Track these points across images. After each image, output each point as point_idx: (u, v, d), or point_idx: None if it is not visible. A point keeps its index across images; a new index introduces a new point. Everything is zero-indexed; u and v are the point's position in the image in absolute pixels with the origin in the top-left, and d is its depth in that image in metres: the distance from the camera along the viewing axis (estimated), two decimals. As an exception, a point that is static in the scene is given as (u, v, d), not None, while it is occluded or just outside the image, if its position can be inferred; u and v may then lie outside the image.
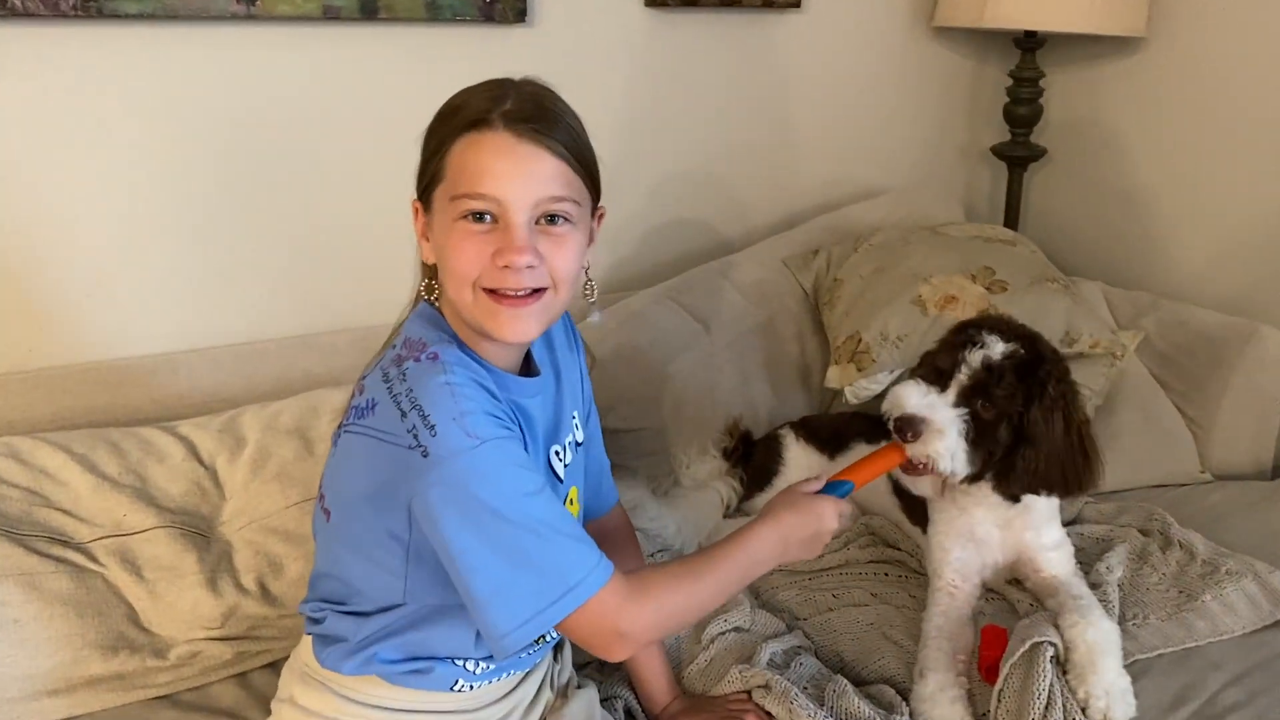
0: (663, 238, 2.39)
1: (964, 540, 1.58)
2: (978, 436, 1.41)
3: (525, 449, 1.15)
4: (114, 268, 1.82)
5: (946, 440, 1.39)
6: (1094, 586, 1.62)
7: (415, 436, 1.06)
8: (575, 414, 1.37)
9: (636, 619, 1.15)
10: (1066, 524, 1.86)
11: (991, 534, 1.57)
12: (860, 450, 1.87)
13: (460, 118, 1.13)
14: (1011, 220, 2.72)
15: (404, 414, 1.07)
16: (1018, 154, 2.67)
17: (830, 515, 1.29)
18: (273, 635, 1.51)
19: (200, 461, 1.60)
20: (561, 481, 1.30)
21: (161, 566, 1.47)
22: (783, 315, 2.22)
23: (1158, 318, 2.23)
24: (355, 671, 1.22)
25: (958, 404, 1.41)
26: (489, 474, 1.06)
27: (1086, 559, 1.73)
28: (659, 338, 2.02)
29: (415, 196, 1.20)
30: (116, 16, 1.71)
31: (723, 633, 1.58)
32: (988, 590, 1.66)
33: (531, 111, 1.14)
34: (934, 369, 1.45)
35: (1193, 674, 1.48)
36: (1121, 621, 1.57)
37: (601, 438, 1.48)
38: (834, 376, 2.05)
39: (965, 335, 1.45)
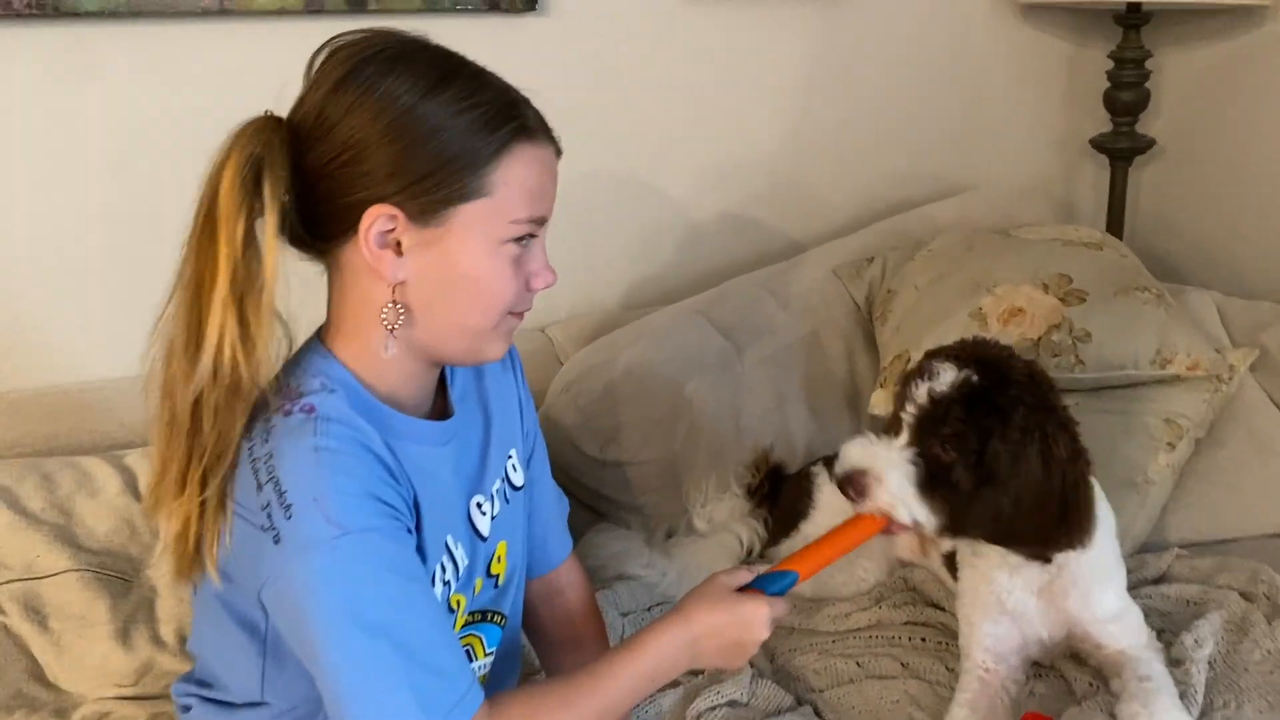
0: (705, 246, 2.17)
1: (994, 612, 1.30)
2: (933, 480, 1.18)
3: (410, 530, 0.96)
4: (80, 286, 1.70)
5: (889, 487, 1.18)
6: (1176, 664, 1.32)
7: (269, 515, 0.88)
8: (512, 453, 1.17)
9: None
10: (1152, 581, 1.56)
11: (1026, 604, 1.29)
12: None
13: (503, 122, 0.96)
14: (1115, 221, 2.40)
15: (260, 486, 0.90)
16: (1121, 146, 2.35)
17: (759, 623, 1.05)
18: (194, 695, 1.34)
19: (137, 496, 1.46)
20: (484, 539, 1.10)
21: (69, 615, 1.33)
22: (829, 330, 1.96)
23: (1284, 332, 1.88)
24: None
25: (910, 445, 1.19)
26: (349, 576, 0.88)
27: (1173, 626, 1.43)
28: (677, 355, 1.80)
29: (385, 201, 0.93)
30: (75, 15, 1.60)
31: (713, 708, 1.34)
32: (1040, 666, 1.37)
33: (540, 113, 1.02)
34: (893, 415, 1.23)
35: (1295, 785, 1.17)
36: (1209, 711, 1.27)
37: (551, 478, 1.28)
38: (879, 401, 1.78)
39: (920, 367, 1.23)
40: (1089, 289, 1.76)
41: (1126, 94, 2.30)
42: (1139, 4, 2.20)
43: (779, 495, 1.73)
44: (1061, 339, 1.70)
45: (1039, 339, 1.70)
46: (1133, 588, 1.54)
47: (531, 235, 1.00)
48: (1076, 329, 1.71)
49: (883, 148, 2.31)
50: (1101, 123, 2.38)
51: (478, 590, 1.11)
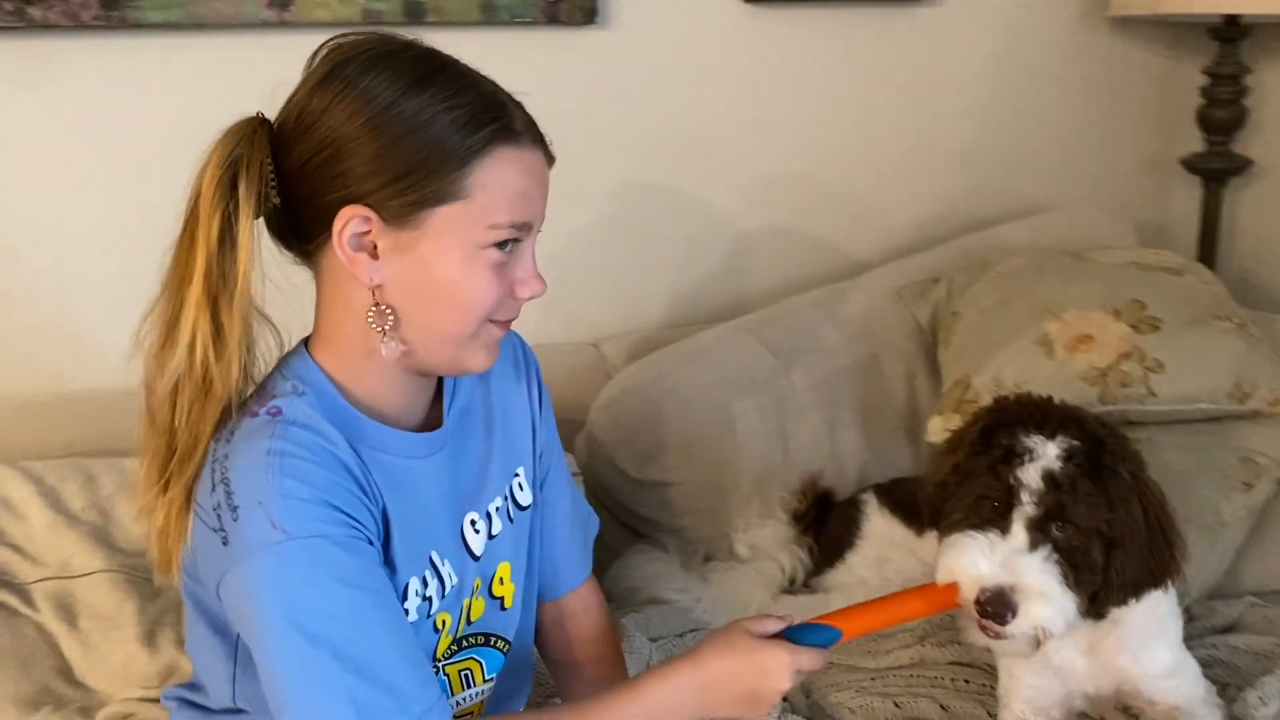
0: (765, 262, 2.12)
1: (1038, 665, 1.22)
2: (1077, 573, 1.06)
3: (372, 542, 0.92)
4: (135, 289, 1.72)
5: (1053, 601, 1.04)
6: (1236, 723, 1.23)
7: (219, 516, 0.88)
8: (520, 471, 1.13)
9: None
10: (1220, 630, 1.46)
11: (1074, 661, 1.20)
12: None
13: (484, 123, 0.93)
14: (1208, 245, 2.27)
15: (214, 486, 0.89)
16: (1214, 166, 2.23)
17: (781, 672, 0.96)
18: (216, 701, 1.34)
19: (174, 498, 1.48)
20: (476, 558, 1.06)
21: (98, 615, 1.35)
22: (890, 353, 1.89)
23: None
24: None
25: (1034, 545, 1.06)
26: (292, 582, 0.86)
27: (1240, 680, 1.34)
28: (724, 374, 1.75)
29: (359, 202, 0.91)
30: (140, 26, 1.64)
31: (736, 741, 1.30)
32: (1086, 718, 1.29)
33: (532, 118, 0.98)
34: (978, 503, 1.09)
35: None
36: (1271, 777, 1.18)
37: (570, 499, 1.22)
38: (935, 428, 1.70)
39: (1000, 447, 1.10)
40: (1164, 316, 1.65)
41: (1221, 111, 2.19)
42: (1236, 16, 2.08)
43: (826, 523, 1.67)
44: (1132, 369, 1.60)
45: (1107, 368, 1.61)
46: (1199, 636, 1.45)
47: (516, 240, 0.96)
48: (1148, 359, 1.61)
49: (955, 165, 2.22)
50: (1195, 142, 2.26)
51: (477, 613, 1.08)
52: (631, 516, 1.72)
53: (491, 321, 0.97)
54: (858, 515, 1.61)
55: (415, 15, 1.77)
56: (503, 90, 0.96)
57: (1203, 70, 2.18)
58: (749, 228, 2.10)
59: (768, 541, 1.66)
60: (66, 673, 1.35)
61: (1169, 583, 1.13)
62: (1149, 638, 1.20)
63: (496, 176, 0.92)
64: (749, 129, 2.05)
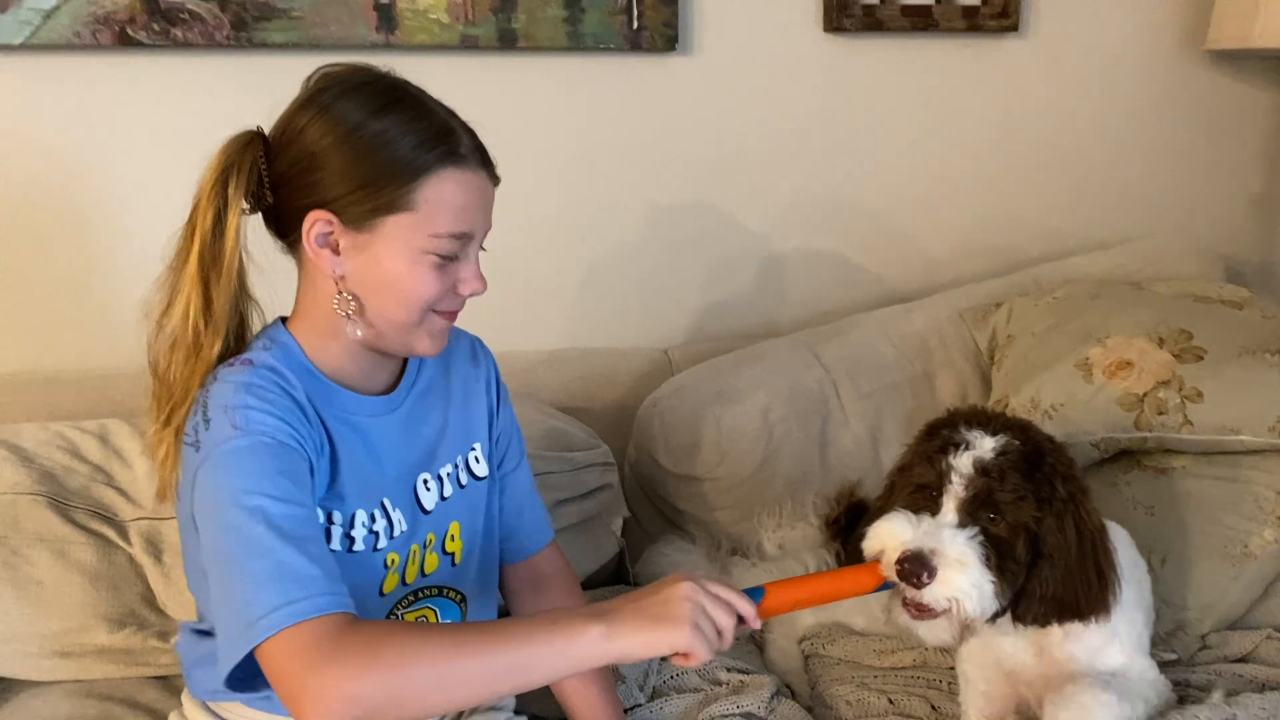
0: (837, 282, 2.19)
1: (989, 671, 1.26)
2: (1000, 560, 1.12)
3: (312, 468, 1.08)
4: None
5: (970, 572, 1.09)
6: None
7: (196, 432, 1.05)
8: (475, 446, 1.28)
9: (331, 681, 0.92)
10: (1232, 660, 1.46)
11: (1025, 664, 1.24)
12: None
13: (432, 147, 1.08)
14: (1308, 285, 2.22)
15: (194, 412, 1.07)
16: (1315, 204, 2.17)
17: (680, 581, 0.99)
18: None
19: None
20: (427, 512, 1.21)
21: (180, 553, 1.54)
22: (946, 373, 1.93)
23: None
24: (212, 695, 1.22)
25: (963, 524, 1.12)
26: (237, 465, 1.01)
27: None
28: (770, 382, 1.83)
29: (324, 208, 1.08)
30: (265, 46, 1.86)
31: (726, 716, 1.38)
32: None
33: (481, 144, 1.14)
34: (916, 489, 1.17)
35: None
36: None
37: (528, 478, 1.38)
38: (971, 447, 1.74)
39: (940, 439, 1.17)
40: (1209, 347, 1.65)
41: (1324, 148, 2.14)
42: (1341, 52, 2.04)
43: (855, 529, 1.72)
44: (1169, 396, 1.61)
45: (1144, 395, 1.62)
46: (1208, 664, 1.45)
47: (458, 246, 1.10)
48: (1187, 387, 1.61)
49: (1031, 201, 2.23)
50: (1300, 179, 2.22)
51: (431, 567, 1.22)
52: (668, 507, 1.83)
53: (435, 312, 1.13)
54: (882, 523, 1.66)
55: (508, 42, 1.93)
56: (456, 118, 1.13)
57: (1307, 106, 2.14)
58: (822, 250, 2.17)
59: (796, 542, 1.73)
60: (150, 600, 1.54)
61: (1095, 619, 1.16)
62: (1097, 646, 1.23)
63: (440, 193, 1.08)
64: (829, 155, 2.13)
